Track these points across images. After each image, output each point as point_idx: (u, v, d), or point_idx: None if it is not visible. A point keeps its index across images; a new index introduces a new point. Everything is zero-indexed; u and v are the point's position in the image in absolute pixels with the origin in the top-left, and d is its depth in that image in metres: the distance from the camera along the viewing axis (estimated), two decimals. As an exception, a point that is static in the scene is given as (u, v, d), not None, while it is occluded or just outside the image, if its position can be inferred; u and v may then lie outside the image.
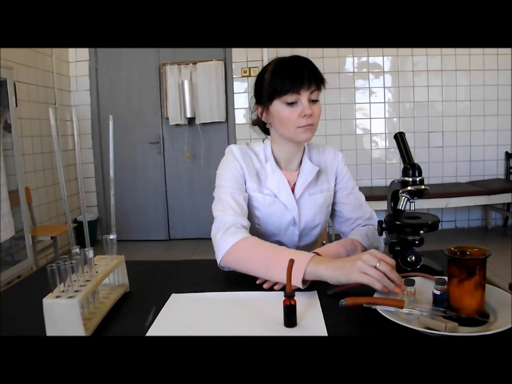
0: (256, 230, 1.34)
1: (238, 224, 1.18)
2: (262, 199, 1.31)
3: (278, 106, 1.23)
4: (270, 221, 1.32)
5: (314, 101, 1.23)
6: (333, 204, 1.41)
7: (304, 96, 1.20)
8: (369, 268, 0.92)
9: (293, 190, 1.33)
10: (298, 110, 1.21)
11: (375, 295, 0.92)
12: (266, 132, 1.39)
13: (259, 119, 1.35)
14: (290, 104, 1.21)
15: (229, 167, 1.30)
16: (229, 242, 1.13)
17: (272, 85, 1.22)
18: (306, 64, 1.23)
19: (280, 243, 1.34)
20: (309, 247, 1.41)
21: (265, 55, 4.34)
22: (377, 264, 0.92)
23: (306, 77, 1.19)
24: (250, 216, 1.32)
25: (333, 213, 1.43)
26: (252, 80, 4.51)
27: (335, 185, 1.40)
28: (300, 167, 1.35)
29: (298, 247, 1.38)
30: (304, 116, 1.20)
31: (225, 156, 1.34)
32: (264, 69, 1.28)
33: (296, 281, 0.99)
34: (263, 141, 1.38)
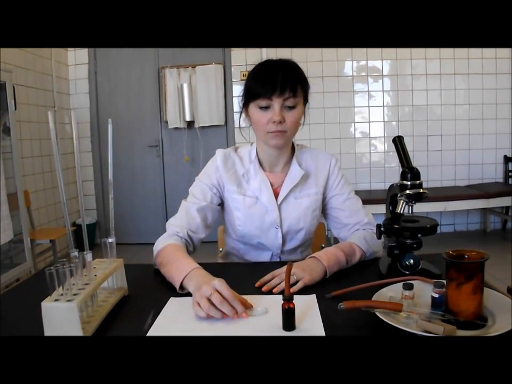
0: (238, 231, 1.36)
1: (179, 234, 1.30)
2: (242, 201, 1.34)
3: (252, 109, 1.26)
4: (250, 222, 1.35)
5: (291, 107, 1.23)
6: (330, 209, 1.42)
7: (276, 102, 1.21)
8: (201, 298, 0.93)
9: (278, 193, 1.34)
10: (269, 115, 1.22)
11: (374, 298, 0.92)
12: None
13: None
14: (263, 108, 1.23)
15: (205, 175, 1.38)
16: (158, 248, 1.26)
17: (248, 88, 1.25)
18: (284, 69, 1.23)
19: (263, 245, 1.37)
20: (294, 251, 1.42)
21: (264, 58, 4.32)
22: (211, 294, 0.93)
23: (279, 83, 1.19)
24: (232, 217, 1.35)
25: (330, 219, 1.44)
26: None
27: (328, 191, 1.40)
28: (287, 170, 1.36)
29: (283, 250, 1.40)
30: (274, 122, 1.21)
31: (209, 161, 1.40)
32: (250, 71, 1.30)
33: (176, 285, 1.08)
34: (251, 144, 1.39)
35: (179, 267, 1.11)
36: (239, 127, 1.38)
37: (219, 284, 0.96)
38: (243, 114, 1.34)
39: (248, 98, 1.25)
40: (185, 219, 1.32)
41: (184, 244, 1.28)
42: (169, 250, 1.22)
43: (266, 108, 1.22)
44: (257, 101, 1.22)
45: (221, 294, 0.93)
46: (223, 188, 1.37)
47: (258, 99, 1.22)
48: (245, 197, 1.34)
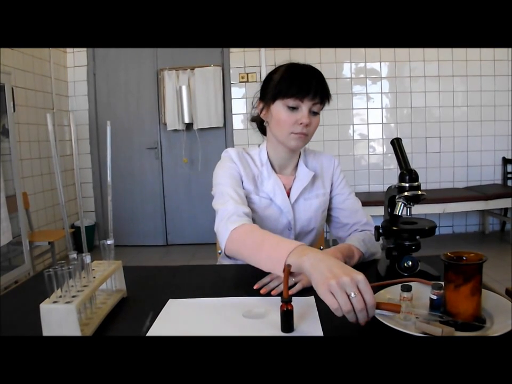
0: None
1: (239, 212, 1.19)
2: (258, 201, 1.33)
3: (278, 107, 1.25)
4: (265, 224, 1.33)
5: (315, 113, 1.25)
6: (330, 209, 1.42)
7: (305, 105, 1.22)
8: (340, 292, 0.79)
9: (288, 195, 1.34)
10: (296, 116, 1.23)
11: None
12: (261, 130, 1.42)
13: (258, 116, 1.37)
14: (291, 108, 1.23)
15: (226, 167, 1.33)
16: (229, 229, 1.13)
17: (279, 85, 1.24)
18: (317, 77, 1.25)
19: None
20: None
21: (262, 61, 4.36)
22: (352, 294, 0.79)
23: (313, 87, 1.21)
24: None
25: (329, 219, 1.44)
26: (250, 85, 4.54)
27: (331, 191, 1.41)
28: (295, 172, 1.37)
29: None
30: (301, 123, 1.21)
31: (222, 158, 1.37)
32: (276, 69, 1.30)
33: (278, 271, 0.94)
34: (258, 146, 1.39)
35: (274, 243, 0.99)
36: (251, 119, 1.39)
37: (364, 283, 0.80)
38: (255, 109, 1.35)
39: (276, 95, 1.25)
40: (237, 198, 1.24)
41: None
42: (247, 230, 1.12)
43: (293, 108, 1.23)
44: (286, 100, 1.22)
45: (362, 296, 0.79)
46: (242, 181, 1.33)
47: (289, 98, 1.22)
48: (260, 197, 1.33)
